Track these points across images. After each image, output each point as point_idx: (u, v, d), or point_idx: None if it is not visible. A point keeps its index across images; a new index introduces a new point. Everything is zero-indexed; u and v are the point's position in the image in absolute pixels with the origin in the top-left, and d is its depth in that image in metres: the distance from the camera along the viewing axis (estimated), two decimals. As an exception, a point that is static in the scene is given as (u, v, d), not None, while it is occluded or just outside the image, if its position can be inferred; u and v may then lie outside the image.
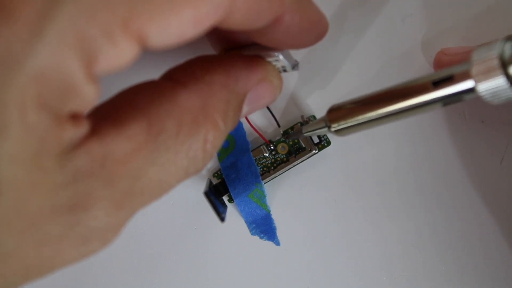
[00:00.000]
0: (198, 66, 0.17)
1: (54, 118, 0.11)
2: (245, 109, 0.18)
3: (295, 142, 0.26)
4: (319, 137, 0.26)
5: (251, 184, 0.26)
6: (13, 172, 0.11)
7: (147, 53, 0.13)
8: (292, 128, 0.26)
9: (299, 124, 0.26)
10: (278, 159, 0.26)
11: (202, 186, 0.27)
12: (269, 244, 0.27)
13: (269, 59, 0.19)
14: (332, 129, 0.20)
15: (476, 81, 0.15)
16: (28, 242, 0.13)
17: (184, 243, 0.27)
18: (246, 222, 0.27)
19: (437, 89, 0.16)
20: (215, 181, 0.27)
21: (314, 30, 0.17)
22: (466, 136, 0.26)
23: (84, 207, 0.13)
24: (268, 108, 0.26)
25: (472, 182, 0.26)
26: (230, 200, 0.26)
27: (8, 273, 0.13)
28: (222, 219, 0.23)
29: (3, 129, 0.11)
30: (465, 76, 0.16)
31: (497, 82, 0.15)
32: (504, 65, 0.15)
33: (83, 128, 0.12)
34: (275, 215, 0.27)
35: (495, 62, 0.15)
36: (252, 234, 0.27)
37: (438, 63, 0.25)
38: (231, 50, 0.20)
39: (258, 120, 0.27)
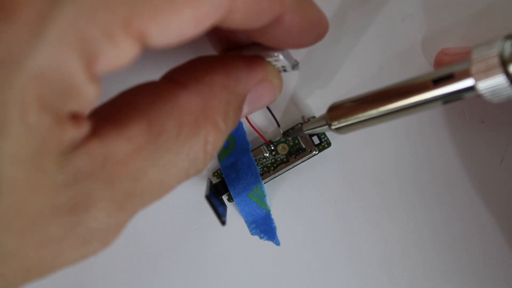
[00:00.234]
0: (199, 66, 0.17)
1: (55, 118, 0.11)
2: (245, 109, 0.18)
3: (295, 143, 0.26)
4: (319, 138, 0.26)
5: (251, 184, 0.26)
6: (13, 172, 0.11)
7: (147, 53, 0.13)
8: (292, 128, 0.26)
9: (299, 124, 0.26)
10: (278, 159, 0.26)
11: (202, 186, 0.27)
12: (269, 244, 0.27)
13: (269, 59, 0.19)
14: (333, 127, 0.20)
15: (476, 79, 0.15)
16: (29, 242, 0.13)
17: (184, 243, 0.27)
18: (246, 222, 0.27)
19: (437, 87, 0.16)
20: (214, 180, 0.27)
21: (315, 30, 0.17)
22: (466, 136, 0.26)
23: (85, 208, 0.13)
24: (268, 108, 0.26)
25: (472, 182, 0.26)
26: (230, 199, 0.26)
27: (8, 273, 0.13)
28: (223, 222, 0.23)
29: (4, 129, 0.11)
30: (465, 74, 0.16)
31: (497, 80, 0.15)
32: (504, 63, 0.15)
33: (84, 128, 0.12)
34: (275, 215, 0.27)
35: (495, 60, 0.15)
36: (252, 234, 0.27)
37: (439, 63, 0.25)
38: (231, 50, 0.20)
39: (258, 120, 0.27)
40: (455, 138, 0.26)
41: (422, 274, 0.26)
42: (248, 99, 0.18)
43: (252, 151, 0.26)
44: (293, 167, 0.26)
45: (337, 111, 0.20)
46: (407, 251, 0.26)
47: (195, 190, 0.27)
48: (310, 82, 0.27)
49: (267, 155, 0.26)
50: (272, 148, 0.26)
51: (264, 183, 0.26)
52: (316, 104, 0.27)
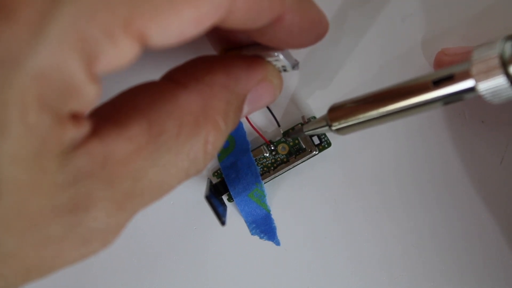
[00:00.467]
0: (199, 66, 0.17)
1: (55, 118, 0.11)
2: (245, 109, 0.18)
3: (296, 143, 0.26)
4: (319, 138, 0.26)
5: (251, 184, 0.26)
6: (13, 172, 0.11)
7: (148, 53, 0.13)
8: (293, 128, 0.26)
9: (300, 124, 0.26)
10: (278, 159, 0.26)
11: (202, 186, 0.27)
12: (269, 244, 0.27)
13: (269, 59, 0.19)
14: (333, 128, 0.20)
15: (477, 80, 0.15)
16: (29, 242, 0.13)
17: (184, 243, 0.27)
18: (246, 222, 0.27)
19: (438, 88, 0.16)
20: (214, 180, 0.27)
21: (315, 30, 0.17)
22: (466, 136, 0.26)
23: (85, 208, 0.13)
24: (268, 108, 0.26)
25: (472, 182, 0.26)
26: (230, 199, 0.26)
27: (8, 273, 0.13)
28: (223, 222, 0.23)
29: (4, 129, 0.11)
30: (465, 75, 0.16)
31: (498, 81, 0.15)
32: (504, 64, 0.15)
33: (84, 128, 0.12)
34: (275, 215, 0.27)
35: (496, 61, 0.15)
36: (252, 234, 0.27)
37: (439, 63, 0.25)
38: (231, 50, 0.20)
39: (258, 120, 0.27)
40: (455, 138, 0.26)
41: (422, 274, 0.26)
42: (248, 99, 0.18)
43: (252, 151, 0.26)
44: (293, 167, 0.26)
45: (338, 112, 0.20)
46: (407, 251, 0.26)
47: (195, 190, 0.27)
48: (310, 82, 0.27)
49: (267, 155, 0.26)
50: (272, 148, 0.26)
51: (264, 183, 0.26)
52: (316, 104, 0.27)
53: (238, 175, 0.26)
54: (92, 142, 0.13)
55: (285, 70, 0.19)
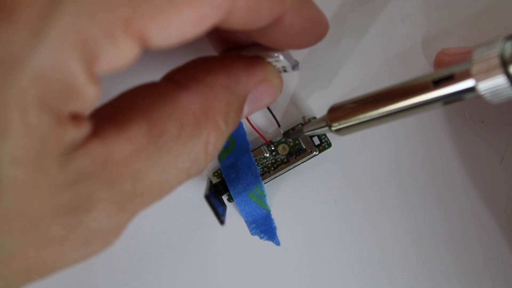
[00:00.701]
0: (199, 67, 0.17)
1: (55, 118, 0.11)
2: (246, 110, 0.18)
3: (296, 144, 0.26)
4: (319, 138, 0.26)
5: (251, 184, 0.26)
6: (14, 172, 0.11)
7: (148, 54, 0.13)
8: (293, 129, 0.26)
9: (300, 125, 0.26)
10: (279, 159, 0.26)
11: (202, 186, 0.27)
12: (269, 244, 0.27)
13: (269, 60, 0.18)
14: (333, 128, 0.20)
15: (477, 80, 0.15)
16: (29, 243, 0.13)
17: (184, 243, 0.27)
18: (246, 222, 0.27)
19: (438, 88, 0.16)
20: (214, 180, 0.27)
21: (315, 30, 0.17)
22: (466, 136, 0.26)
23: (86, 209, 0.13)
24: (269, 108, 0.26)
25: (472, 182, 0.26)
26: (230, 199, 0.26)
27: (8, 273, 0.13)
28: (222, 222, 0.23)
29: (4, 130, 0.11)
30: (465, 75, 0.16)
31: (498, 81, 0.15)
32: (504, 64, 0.15)
33: (85, 129, 0.12)
34: (275, 215, 0.27)
35: (496, 61, 0.15)
36: (252, 234, 0.27)
37: (439, 63, 0.25)
38: (232, 51, 0.20)
39: (259, 120, 0.27)
40: (455, 138, 0.26)
41: (422, 274, 0.26)
42: (249, 99, 0.18)
43: (252, 151, 0.26)
44: (293, 167, 0.26)
45: (338, 112, 0.20)
46: (407, 251, 0.26)
47: (195, 190, 0.27)
48: (310, 82, 0.27)
49: (268, 155, 0.26)
50: (273, 148, 0.26)
51: (264, 183, 0.26)
52: (317, 104, 0.27)
53: (238, 175, 0.26)
54: (93, 143, 0.13)
55: (285, 71, 0.19)
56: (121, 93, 0.15)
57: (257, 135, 0.27)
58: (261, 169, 0.26)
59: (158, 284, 0.27)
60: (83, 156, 0.13)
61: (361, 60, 0.27)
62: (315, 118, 0.26)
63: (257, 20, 0.15)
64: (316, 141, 0.26)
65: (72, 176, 0.12)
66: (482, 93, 0.15)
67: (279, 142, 0.26)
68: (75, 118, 0.12)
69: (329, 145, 0.26)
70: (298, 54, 0.26)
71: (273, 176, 0.26)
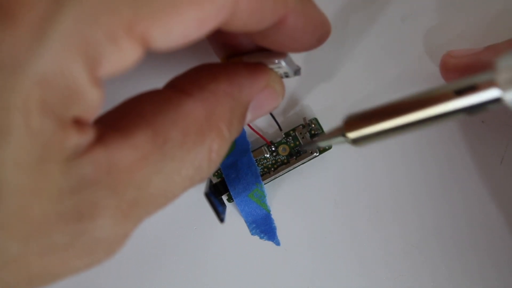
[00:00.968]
0: (202, 74, 0.17)
1: (58, 123, 0.11)
2: (248, 116, 0.18)
3: (296, 144, 0.26)
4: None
5: (251, 184, 0.26)
6: (16, 176, 0.11)
7: (151, 61, 0.13)
8: (293, 130, 0.26)
9: (301, 126, 0.26)
10: (279, 160, 0.26)
11: (202, 186, 0.27)
12: (269, 244, 0.27)
13: (271, 66, 0.18)
14: (349, 139, 0.19)
15: (503, 90, 0.14)
16: (33, 249, 0.12)
17: (184, 243, 0.27)
18: (246, 222, 0.27)
19: (460, 98, 0.15)
20: (214, 180, 0.27)
21: (317, 32, 0.17)
22: (466, 136, 0.26)
23: (90, 216, 0.13)
24: (270, 113, 0.26)
25: (472, 182, 0.26)
26: (230, 199, 0.26)
27: (10, 280, 0.13)
28: (221, 220, 0.23)
29: (7, 134, 0.11)
30: (490, 85, 0.15)
31: None
32: None
33: (88, 135, 0.12)
34: (275, 215, 0.27)
35: None
36: (252, 234, 0.27)
37: (445, 66, 0.25)
38: (234, 58, 0.20)
39: (259, 120, 0.27)
40: (455, 138, 0.26)
41: (422, 274, 0.26)
42: (251, 106, 0.18)
43: (253, 151, 0.26)
44: (294, 168, 0.26)
45: (354, 122, 0.19)
46: (407, 251, 0.26)
47: (195, 190, 0.27)
48: (311, 84, 0.27)
49: (268, 156, 0.26)
50: (273, 149, 0.26)
51: (265, 183, 0.26)
52: (318, 105, 0.27)
53: (238, 175, 0.26)
54: (97, 150, 0.13)
55: (287, 76, 0.19)
56: (124, 100, 0.15)
57: (258, 135, 0.27)
58: (262, 170, 0.26)
59: (158, 284, 0.27)
60: (87, 162, 0.12)
61: (363, 62, 0.26)
62: (316, 120, 0.26)
63: (259, 21, 0.15)
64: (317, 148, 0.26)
65: (75, 182, 0.12)
66: (510, 104, 0.15)
67: (280, 143, 0.26)
68: (79, 123, 0.12)
69: (330, 146, 0.26)
70: (299, 55, 0.26)
71: (273, 177, 0.26)
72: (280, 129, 0.26)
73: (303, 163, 0.26)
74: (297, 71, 0.19)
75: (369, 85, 0.26)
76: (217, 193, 0.26)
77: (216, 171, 0.27)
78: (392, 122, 0.17)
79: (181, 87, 0.16)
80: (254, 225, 0.27)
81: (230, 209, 0.27)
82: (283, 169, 0.26)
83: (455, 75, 0.24)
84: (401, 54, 0.26)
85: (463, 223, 0.26)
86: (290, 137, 0.26)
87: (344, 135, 0.19)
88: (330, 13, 0.25)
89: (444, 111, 0.16)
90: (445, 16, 0.26)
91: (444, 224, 0.26)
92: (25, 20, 0.10)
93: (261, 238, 0.27)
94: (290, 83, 0.27)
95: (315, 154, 0.26)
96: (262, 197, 0.26)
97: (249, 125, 0.26)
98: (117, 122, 0.14)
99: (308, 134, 0.26)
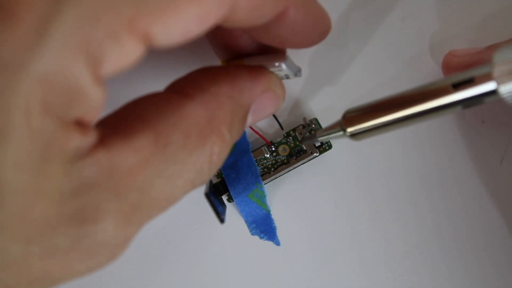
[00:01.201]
0: (204, 77, 0.17)
1: (60, 124, 0.11)
2: (249, 119, 0.18)
3: (297, 145, 0.26)
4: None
5: (251, 184, 0.26)
6: (16, 176, 0.11)
7: (152, 64, 0.13)
8: (294, 130, 0.26)
9: (301, 126, 0.26)
10: (279, 160, 0.26)
11: (202, 186, 0.27)
12: (269, 244, 0.27)
13: (272, 69, 0.18)
14: (348, 133, 0.19)
15: (498, 83, 0.15)
16: (34, 252, 0.12)
17: (184, 243, 0.27)
18: (246, 222, 0.27)
19: (458, 91, 0.16)
20: (215, 180, 0.27)
21: (318, 26, 0.17)
22: (466, 136, 0.26)
23: (92, 219, 0.13)
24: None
25: (472, 182, 0.26)
26: (230, 199, 0.26)
27: (11, 282, 0.13)
28: (222, 220, 0.23)
29: (7, 134, 0.11)
30: (486, 78, 0.15)
31: None
32: None
33: (90, 138, 0.12)
34: (275, 215, 0.27)
35: None
36: (252, 234, 0.27)
37: (447, 65, 0.25)
38: (234, 60, 0.20)
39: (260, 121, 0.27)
40: (455, 138, 0.26)
41: (422, 274, 0.26)
42: (252, 109, 0.18)
43: (253, 151, 0.26)
44: (294, 168, 0.26)
45: (353, 117, 0.19)
46: (407, 251, 0.27)
47: (195, 190, 0.26)
48: (311, 84, 0.27)
49: (268, 156, 0.26)
50: (273, 149, 0.26)
51: (265, 183, 0.26)
52: (318, 105, 0.27)
53: (238, 175, 0.26)
54: (99, 152, 0.13)
55: (287, 78, 0.19)
56: (126, 103, 0.15)
57: (258, 135, 0.27)
58: (262, 170, 0.26)
59: (158, 284, 0.27)
60: (89, 165, 0.12)
61: (364, 62, 0.26)
62: (316, 120, 0.26)
63: (260, 15, 0.15)
64: (317, 142, 0.26)
65: (77, 185, 0.12)
66: (504, 96, 0.15)
67: (280, 143, 0.26)
68: (81, 125, 0.12)
69: (330, 146, 0.26)
70: (299, 56, 0.25)
71: (273, 177, 0.26)
72: (282, 128, 0.26)
73: (303, 163, 0.26)
74: (297, 73, 0.19)
75: (369, 85, 0.26)
76: (217, 193, 0.26)
77: (216, 171, 0.27)
78: (390, 116, 0.18)
79: (182, 90, 0.16)
80: (254, 225, 0.27)
81: (230, 209, 0.27)
82: (283, 169, 0.26)
83: None
84: (401, 55, 0.26)
85: (463, 223, 0.26)
86: (290, 137, 0.26)
87: (342, 130, 0.19)
88: (330, 14, 0.25)
89: (442, 104, 0.16)
90: (445, 16, 0.26)
91: (444, 224, 0.26)
92: (26, 20, 0.10)
93: (261, 238, 0.27)
94: (291, 84, 0.26)
95: (315, 154, 0.26)
96: (262, 197, 0.26)
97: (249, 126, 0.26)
98: (118, 125, 0.14)
99: (308, 134, 0.26)
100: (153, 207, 0.14)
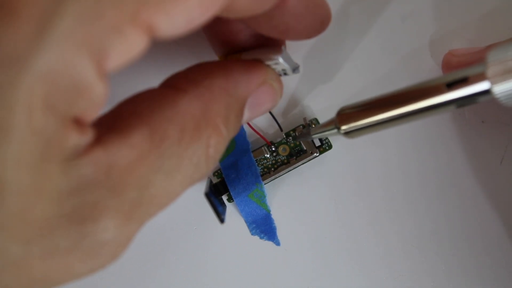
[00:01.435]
0: (198, 72, 0.17)
1: (61, 121, 0.11)
2: (246, 114, 0.18)
3: (297, 145, 0.26)
4: (320, 140, 0.26)
5: (251, 184, 0.26)
6: (17, 176, 0.11)
7: (148, 61, 0.13)
8: (294, 130, 0.26)
9: (301, 126, 0.26)
10: (279, 160, 0.26)
11: (202, 186, 0.27)
12: (269, 244, 0.27)
13: (269, 63, 0.18)
14: (342, 131, 0.19)
15: (492, 83, 0.15)
16: (34, 252, 0.12)
17: (184, 243, 0.27)
18: (246, 222, 0.27)
19: (451, 90, 0.16)
20: (215, 180, 0.27)
21: (319, 13, 0.17)
22: (466, 136, 0.26)
23: (92, 218, 0.13)
24: (270, 112, 0.26)
25: (472, 182, 0.26)
26: (230, 199, 0.26)
27: (11, 283, 0.12)
28: (222, 220, 0.23)
29: (9, 132, 0.11)
30: (480, 78, 0.15)
31: None
32: None
33: (88, 136, 0.12)
34: (275, 215, 0.27)
35: None
36: (252, 234, 0.27)
37: (447, 65, 0.25)
38: (231, 55, 0.20)
39: (260, 121, 0.27)
40: (455, 138, 0.26)
41: (422, 274, 0.26)
42: (249, 103, 0.18)
43: (253, 151, 0.26)
44: (294, 168, 0.26)
45: (347, 114, 0.19)
46: (407, 251, 0.27)
47: (195, 190, 0.27)
48: (311, 84, 0.27)
49: (268, 156, 0.26)
50: (273, 149, 0.26)
51: (265, 183, 0.26)
52: (318, 105, 0.27)
53: (238, 175, 0.26)
54: (96, 151, 0.13)
55: (285, 74, 0.19)
56: (121, 102, 0.15)
57: (258, 135, 0.27)
58: (262, 170, 0.26)
59: (158, 284, 0.27)
60: (86, 163, 0.12)
61: (364, 61, 0.26)
62: (316, 120, 0.26)
63: (262, 2, 0.15)
64: (317, 142, 0.26)
65: (75, 183, 0.12)
66: (498, 96, 0.15)
67: (280, 143, 0.26)
68: (79, 124, 0.12)
69: (330, 146, 0.26)
70: (299, 56, 0.26)
71: (273, 177, 0.26)
72: (281, 129, 0.26)
73: (303, 163, 0.26)
74: (295, 69, 0.19)
75: (370, 85, 0.26)
76: (217, 193, 0.26)
77: (216, 171, 0.27)
78: (384, 115, 0.18)
79: (177, 85, 0.16)
80: (254, 225, 0.27)
81: (230, 209, 0.27)
82: (283, 169, 0.26)
83: None
84: (401, 54, 0.26)
85: (463, 223, 0.26)
86: (290, 137, 0.26)
87: (337, 127, 0.19)
88: (332, 13, 0.24)
89: (435, 103, 0.16)
90: (445, 15, 0.26)
91: (444, 224, 0.26)
92: (27, 16, 0.10)
93: (261, 238, 0.27)
94: (291, 83, 0.26)
95: (315, 154, 0.26)
96: (262, 197, 0.26)
97: (249, 125, 0.26)
98: (114, 123, 0.14)
99: (304, 130, 0.26)
100: (153, 204, 0.14)
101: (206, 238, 0.27)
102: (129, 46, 0.12)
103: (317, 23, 0.18)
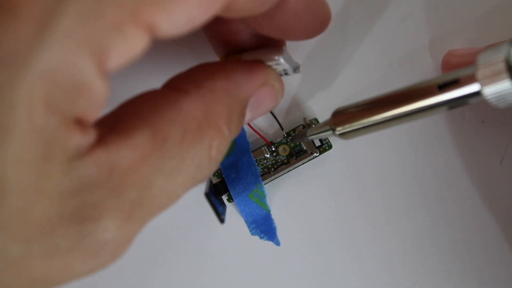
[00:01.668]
0: (200, 73, 0.17)
1: (62, 120, 0.11)
2: (248, 115, 0.18)
3: (297, 145, 0.26)
4: (320, 140, 0.26)
5: (251, 184, 0.26)
6: (18, 175, 0.11)
7: (150, 61, 0.13)
8: (294, 130, 0.26)
9: (301, 126, 0.26)
10: (279, 160, 0.26)
11: (202, 186, 0.27)
12: (269, 244, 0.27)
13: (270, 63, 0.18)
14: (337, 133, 0.20)
15: (482, 85, 0.15)
16: (34, 252, 0.12)
17: (184, 243, 0.27)
18: (246, 222, 0.27)
19: (443, 92, 0.16)
20: (215, 180, 0.27)
21: (319, 13, 0.17)
22: (466, 136, 0.26)
23: (93, 218, 0.13)
24: (271, 112, 0.26)
25: (472, 182, 0.26)
26: (230, 199, 0.26)
27: (11, 284, 0.12)
28: (222, 220, 0.23)
29: (10, 131, 0.10)
30: (470, 80, 0.15)
31: (503, 85, 0.15)
32: (510, 69, 0.15)
33: (90, 136, 0.12)
34: (275, 215, 0.27)
35: (501, 66, 0.15)
36: (252, 234, 0.27)
37: (446, 65, 0.25)
38: (232, 55, 0.20)
39: (260, 120, 0.27)
40: (455, 138, 0.26)
41: (422, 274, 0.26)
42: (250, 104, 0.18)
43: (253, 151, 0.26)
44: (294, 168, 0.26)
45: (342, 116, 0.19)
46: (407, 251, 0.27)
47: (195, 190, 0.26)
48: (312, 84, 0.27)
49: (268, 156, 0.26)
50: (273, 149, 0.26)
51: (265, 183, 0.26)
52: (318, 106, 0.27)
53: (238, 175, 0.26)
54: (97, 151, 0.13)
55: (286, 74, 0.19)
56: (122, 102, 0.15)
57: (258, 135, 0.27)
58: (262, 170, 0.26)
59: (158, 284, 0.27)
60: (88, 163, 0.12)
61: (364, 62, 0.26)
62: (316, 120, 0.26)
63: (262, 2, 0.15)
64: (317, 142, 0.26)
65: (76, 183, 0.12)
66: (487, 97, 0.15)
67: (280, 143, 0.26)
68: (81, 123, 0.12)
69: (330, 146, 0.26)
70: (299, 56, 0.26)
71: (273, 177, 0.26)
72: (282, 128, 0.26)
73: (303, 164, 0.26)
74: (296, 69, 0.19)
75: (370, 85, 0.26)
76: (217, 193, 0.26)
77: (216, 171, 0.27)
78: (377, 116, 0.18)
79: (178, 86, 0.16)
80: (254, 225, 0.27)
81: (230, 209, 0.27)
82: (283, 169, 0.26)
83: None
84: (401, 54, 0.26)
85: (463, 223, 0.26)
86: (290, 137, 0.26)
87: (332, 129, 0.20)
88: (332, 13, 0.24)
89: (426, 105, 0.17)
90: (445, 16, 0.26)
91: (444, 224, 0.26)
92: (28, 16, 0.10)
93: (261, 238, 0.27)
94: (291, 83, 0.26)
95: (315, 154, 0.26)
96: (262, 197, 0.26)
97: (249, 125, 0.26)
98: (116, 124, 0.14)
99: (300, 131, 0.26)
100: (154, 205, 0.14)
101: (206, 238, 0.27)
102: (129, 45, 0.12)
103: (317, 23, 0.18)
